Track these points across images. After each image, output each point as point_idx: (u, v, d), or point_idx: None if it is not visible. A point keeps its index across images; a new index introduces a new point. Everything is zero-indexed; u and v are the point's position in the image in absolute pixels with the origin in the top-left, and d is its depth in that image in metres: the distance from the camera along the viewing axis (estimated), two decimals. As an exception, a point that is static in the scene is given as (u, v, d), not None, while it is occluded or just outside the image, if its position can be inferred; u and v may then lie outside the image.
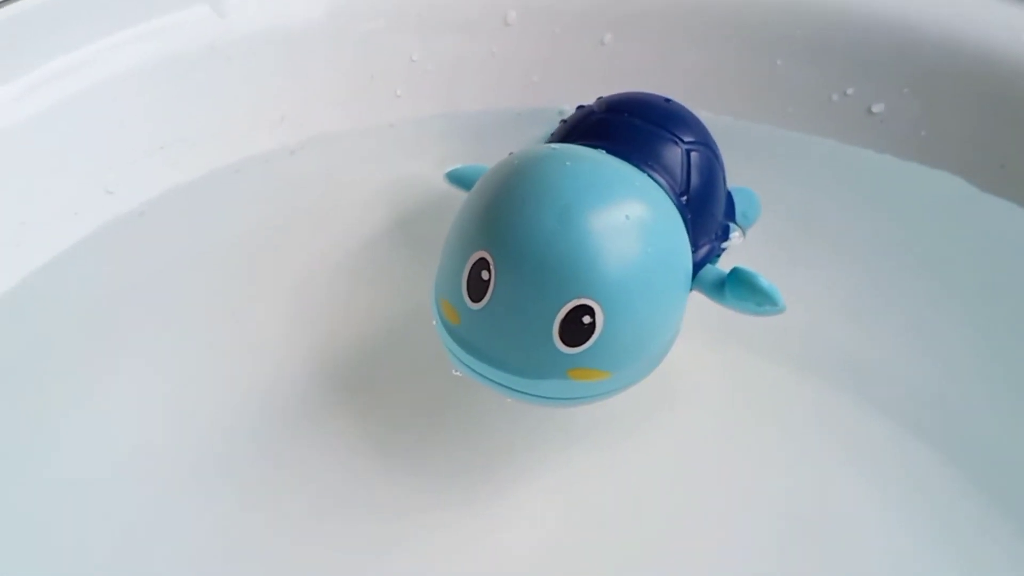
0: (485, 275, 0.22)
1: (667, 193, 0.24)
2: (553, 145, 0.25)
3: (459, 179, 0.32)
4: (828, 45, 0.36)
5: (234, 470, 0.27)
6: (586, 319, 0.21)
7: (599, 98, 0.29)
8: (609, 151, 0.24)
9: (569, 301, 0.21)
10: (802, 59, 0.37)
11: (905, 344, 0.30)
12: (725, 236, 0.28)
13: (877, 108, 0.37)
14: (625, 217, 0.22)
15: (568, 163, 0.23)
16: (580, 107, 0.29)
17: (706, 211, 0.26)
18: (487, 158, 0.37)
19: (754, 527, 0.26)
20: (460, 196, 0.37)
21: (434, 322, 0.25)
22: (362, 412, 0.28)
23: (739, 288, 0.25)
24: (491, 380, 0.23)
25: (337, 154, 0.37)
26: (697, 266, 0.25)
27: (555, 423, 0.28)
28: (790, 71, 0.37)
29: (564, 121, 0.28)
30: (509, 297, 0.22)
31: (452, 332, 0.23)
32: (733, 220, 0.29)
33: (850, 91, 0.37)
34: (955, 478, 0.26)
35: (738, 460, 0.27)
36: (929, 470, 0.26)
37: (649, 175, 0.24)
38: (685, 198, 0.25)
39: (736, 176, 0.29)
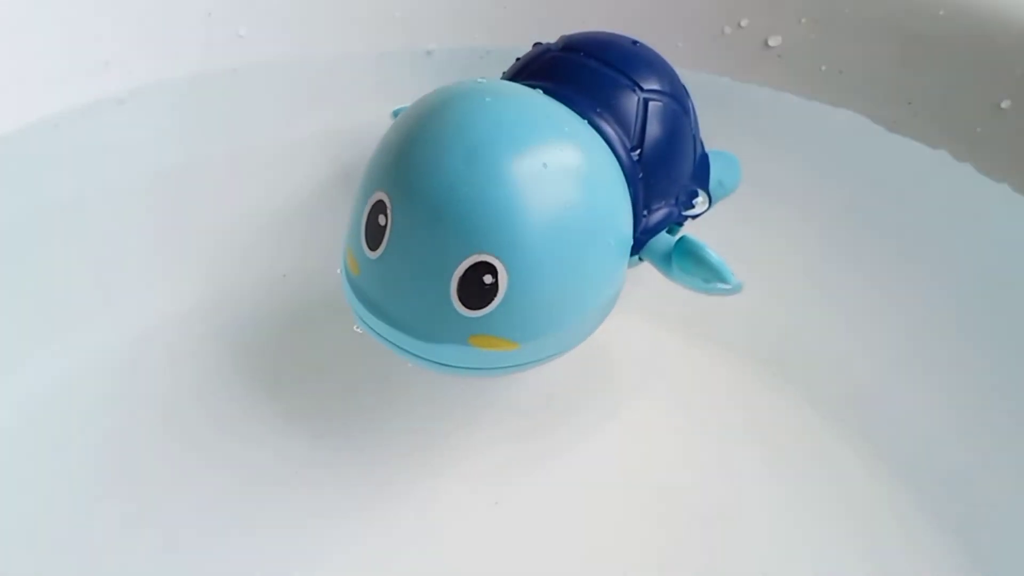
0: (382, 220, 0.20)
1: (611, 144, 0.22)
2: (480, 79, 0.22)
3: None
4: (718, -28, 0.34)
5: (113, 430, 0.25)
6: (487, 279, 0.19)
7: (561, 36, 0.26)
8: (549, 92, 0.22)
9: (468, 256, 0.19)
10: (691, -12, 0.34)
11: (806, 300, 0.29)
12: (690, 202, 0.25)
13: (774, 41, 0.35)
14: (543, 165, 0.20)
15: (488, 99, 0.21)
16: (537, 44, 0.26)
17: (664, 171, 0.24)
18: (343, 106, 0.34)
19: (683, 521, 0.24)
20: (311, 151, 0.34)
21: (338, 271, 0.23)
22: (257, 371, 0.26)
23: (685, 260, 0.23)
24: (388, 340, 0.21)
25: (171, 104, 0.34)
26: (648, 232, 0.23)
27: (466, 390, 0.26)
28: (678, 1, 0.35)
29: (518, 59, 0.26)
30: (405, 246, 0.20)
31: (352, 283, 0.22)
32: (704, 187, 0.26)
33: (744, 23, 0.35)
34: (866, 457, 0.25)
35: (665, 448, 0.26)
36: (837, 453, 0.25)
37: (592, 122, 0.22)
38: (637, 153, 0.23)
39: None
